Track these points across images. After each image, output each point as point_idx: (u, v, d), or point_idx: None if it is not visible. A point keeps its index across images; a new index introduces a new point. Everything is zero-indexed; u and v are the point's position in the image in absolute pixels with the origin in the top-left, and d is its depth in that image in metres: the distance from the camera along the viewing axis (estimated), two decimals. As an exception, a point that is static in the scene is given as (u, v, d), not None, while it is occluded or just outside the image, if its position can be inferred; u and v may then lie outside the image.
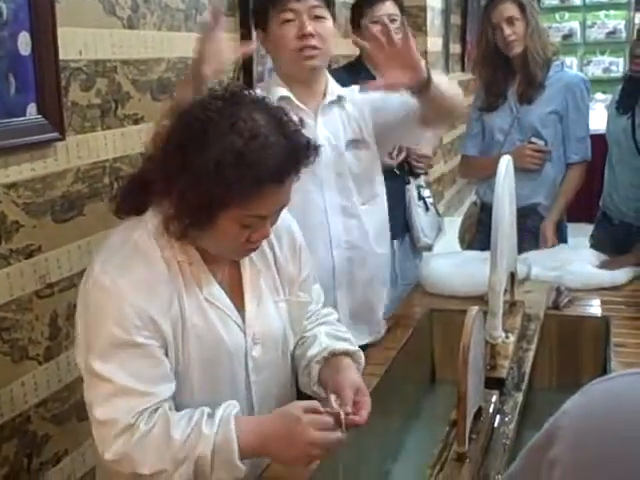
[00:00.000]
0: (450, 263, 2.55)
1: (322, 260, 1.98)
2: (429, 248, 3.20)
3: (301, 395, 1.59)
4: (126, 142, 2.19)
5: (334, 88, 2.09)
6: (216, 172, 1.23)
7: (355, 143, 2.08)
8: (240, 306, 1.44)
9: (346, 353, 1.53)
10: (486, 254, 2.49)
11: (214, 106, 1.29)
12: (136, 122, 2.25)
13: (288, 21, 1.96)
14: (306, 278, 1.60)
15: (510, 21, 2.93)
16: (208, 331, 1.39)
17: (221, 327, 1.41)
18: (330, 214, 2.02)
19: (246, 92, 1.35)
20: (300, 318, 1.59)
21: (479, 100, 3.18)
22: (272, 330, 1.49)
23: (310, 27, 1.94)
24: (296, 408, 1.32)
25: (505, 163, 1.79)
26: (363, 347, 1.76)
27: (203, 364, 1.38)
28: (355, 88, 2.16)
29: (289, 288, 1.56)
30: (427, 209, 3.11)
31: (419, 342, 2.29)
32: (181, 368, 1.36)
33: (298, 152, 1.31)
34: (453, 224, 3.51)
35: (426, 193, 3.15)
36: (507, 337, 1.84)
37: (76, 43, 1.98)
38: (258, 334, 1.45)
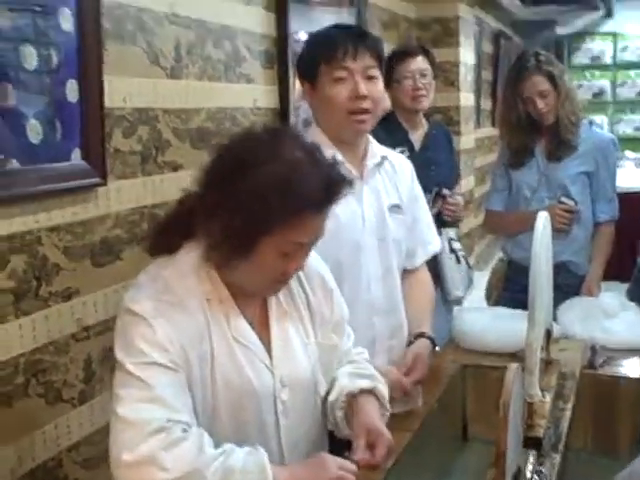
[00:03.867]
0: (484, 318, 2.52)
1: (362, 328, 1.94)
2: (459, 301, 3.18)
3: (334, 440, 1.58)
4: (165, 188, 2.22)
5: (375, 148, 2.05)
6: (260, 198, 1.28)
7: (395, 209, 2.06)
8: (268, 348, 1.45)
9: (363, 391, 1.53)
10: (518, 311, 2.51)
11: (255, 138, 1.37)
12: (175, 169, 2.28)
13: (341, 79, 1.88)
14: (339, 320, 1.61)
15: (542, 95, 2.95)
16: (235, 371, 1.39)
17: (248, 367, 1.40)
18: (372, 281, 1.99)
19: (284, 128, 1.42)
20: (331, 362, 1.59)
21: (505, 157, 3.18)
22: (300, 373, 1.49)
23: (364, 88, 1.87)
24: (325, 454, 1.36)
25: (543, 219, 1.79)
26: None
27: (231, 407, 1.38)
28: (399, 155, 2.16)
29: (321, 331, 1.56)
30: (458, 261, 3.10)
31: (451, 398, 2.26)
32: (209, 411, 1.36)
33: (335, 184, 1.37)
34: (482, 278, 3.50)
35: (457, 245, 3.15)
36: (543, 396, 1.81)
37: (121, 91, 2.04)
38: (286, 377, 1.45)
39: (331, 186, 1.35)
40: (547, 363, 2.09)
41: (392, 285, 2.05)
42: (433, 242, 2.25)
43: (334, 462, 1.34)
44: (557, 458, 1.70)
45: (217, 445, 1.31)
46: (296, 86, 2.98)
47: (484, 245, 6.56)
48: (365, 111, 1.90)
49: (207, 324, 1.37)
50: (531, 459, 1.60)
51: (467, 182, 5.42)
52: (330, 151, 1.81)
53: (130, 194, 2.09)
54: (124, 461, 1.22)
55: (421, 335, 2.04)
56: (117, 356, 1.33)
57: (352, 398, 1.52)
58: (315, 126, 2.00)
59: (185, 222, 1.42)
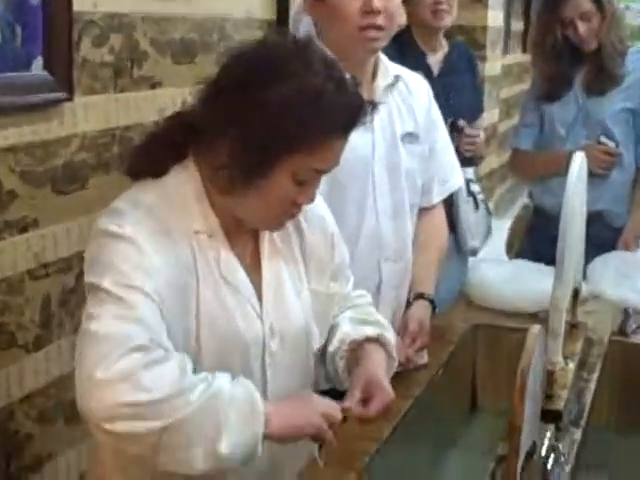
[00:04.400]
0: (503, 271, 2.53)
1: (367, 273, 1.98)
2: (475, 252, 3.18)
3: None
4: (140, 108, 2.20)
5: (389, 66, 2.05)
6: (289, 111, 1.29)
7: (410, 137, 2.06)
8: (258, 291, 1.45)
9: (368, 339, 1.55)
10: (541, 266, 2.51)
11: (284, 46, 1.39)
12: (153, 86, 2.25)
13: None
14: (339, 265, 1.62)
15: (585, 17, 2.90)
16: (222, 315, 1.39)
17: (237, 311, 1.41)
18: (381, 218, 2.01)
19: (310, 41, 1.44)
20: (327, 313, 1.59)
21: (537, 88, 3.14)
22: (292, 323, 1.49)
23: (378, 2, 1.86)
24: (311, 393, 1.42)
25: (579, 161, 1.76)
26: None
27: (215, 354, 1.38)
28: (414, 74, 2.13)
29: (317, 277, 1.56)
30: (476, 207, 3.09)
31: (460, 362, 2.27)
32: (190, 354, 1.34)
33: (359, 108, 1.39)
34: (501, 227, 3.49)
35: (476, 188, 3.12)
36: (566, 364, 1.82)
37: (92, -8, 1.99)
38: (276, 324, 1.46)
39: (356, 110, 1.38)
40: (572, 326, 2.09)
41: (403, 225, 2.06)
42: (453, 177, 2.25)
43: (320, 400, 1.38)
44: (577, 435, 1.71)
45: None
46: (297, -5, 2.92)
47: (506, 189, 6.56)
48: (378, 27, 1.88)
49: (193, 259, 1.36)
50: (548, 434, 1.61)
51: (490, 115, 5.38)
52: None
53: (99, 112, 2.06)
54: (97, 379, 1.18)
55: (420, 296, 2.08)
56: (90, 280, 1.30)
57: (356, 346, 1.54)
58: (318, 41, 1.96)
59: (176, 140, 1.41)
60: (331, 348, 1.56)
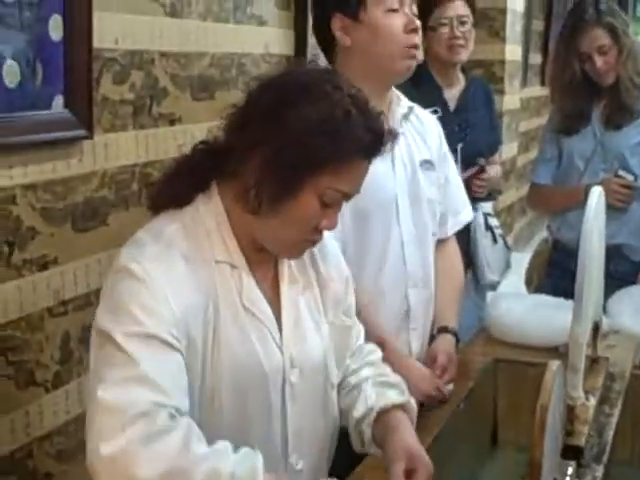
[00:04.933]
0: (522, 306, 2.52)
1: (395, 301, 2.02)
2: (494, 286, 3.17)
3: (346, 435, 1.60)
4: (159, 145, 2.21)
5: (400, 96, 2.10)
6: (316, 132, 1.33)
7: (427, 164, 2.10)
8: (278, 323, 1.46)
9: (395, 406, 1.53)
10: (561, 300, 2.50)
11: (313, 70, 1.47)
12: (172, 123, 2.27)
13: (394, 10, 1.92)
14: (351, 307, 1.64)
15: (602, 50, 2.92)
16: (242, 345, 1.39)
17: (257, 342, 1.41)
18: (406, 247, 2.03)
19: (332, 70, 1.53)
20: (344, 346, 1.61)
21: (556, 122, 3.15)
22: (311, 354, 1.50)
23: (417, 21, 1.94)
24: None
25: (596, 195, 1.77)
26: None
27: (234, 385, 1.38)
28: (418, 106, 2.17)
29: (333, 311, 1.58)
30: (495, 241, 3.09)
31: (481, 397, 2.26)
32: (208, 387, 1.36)
33: (382, 133, 1.43)
34: (521, 262, 3.48)
35: (494, 222, 3.13)
36: (587, 399, 1.81)
37: (112, 30, 2.02)
38: (296, 356, 1.46)
39: (379, 134, 1.42)
40: (593, 361, 2.09)
41: (426, 252, 2.09)
42: (465, 209, 2.29)
43: None
44: (599, 471, 1.69)
45: (213, 434, 1.30)
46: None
47: (525, 222, 6.54)
48: (417, 47, 1.96)
49: (214, 289, 1.38)
50: (570, 471, 1.60)
51: (509, 149, 5.38)
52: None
53: (119, 150, 2.07)
54: (101, 455, 1.20)
55: (444, 329, 2.11)
56: (101, 322, 1.31)
57: (383, 414, 1.52)
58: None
59: (200, 169, 1.44)
60: (356, 414, 1.54)
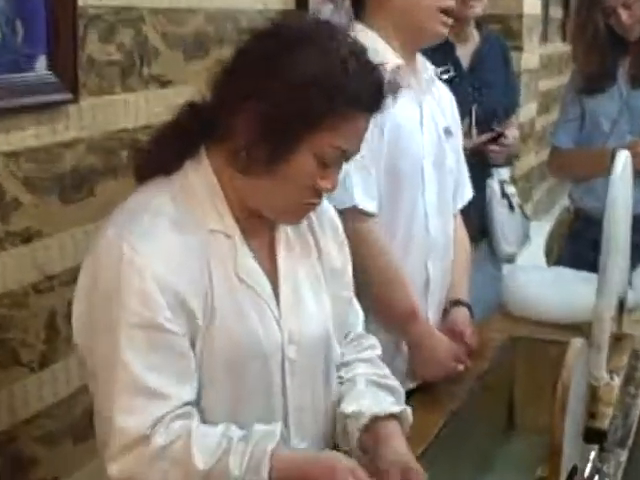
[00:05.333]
0: (542, 279, 2.53)
1: (416, 271, 2.08)
2: (511, 259, 3.17)
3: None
4: (150, 109, 2.20)
5: (426, 62, 2.16)
6: (312, 84, 1.32)
7: (449, 132, 2.16)
8: (276, 296, 1.46)
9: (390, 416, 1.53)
10: (585, 273, 2.50)
11: (307, 18, 1.50)
12: (163, 85, 2.26)
13: None
14: (350, 278, 1.64)
15: (627, 4, 2.90)
16: (239, 320, 1.39)
17: (255, 316, 1.41)
18: (430, 216, 2.09)
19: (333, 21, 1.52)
20: (344, 320, 1.61)
21: (578, 81, 3.13)
22: (311, 328, 1.50)
23: None
24: (341, 467, 1.34)
25: (623, 160, 1.77)
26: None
27: (231, 363, 1.39)
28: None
29: (333, 281, 1.57)
30: (512, 209, 3.08)
31: (496, 377, 2.27)
32: (204, 364, 1.37)
33: (383, 87, 1.42)
34: (541, 231, 3.48)
35: (511, 190, 3.12)
36: (611, 378, 1.82)
37: (98, -15, 2.00)
38: (295, 332, 1.46)
39: (378, 87, 1.41)
40: (617, 339, 2.09)
41: (447, 222, 2.16)
42: (468, 185, 2.34)
43: (346, 468, 1.34)
44: (623, 456, 1.70)
45: (210, 413, 1.37)
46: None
47: (545, 189, 6.54)
48: (449, 12, 2.03)
49: (207, 262, 1.37)
50: (592, 456, 1.61)
51: (528, 110, 5.37)
52: (396, 60, 1.97)
53: (107, 114, 2.06)
54: (111, 475, 1.31)
55: (458, 302, 2.16)
56: (90, 316, 1.34)
57: (375, 421, 1.51)
58: (364, 29, 2.03)
59: (188, 132, 1.43)
60: (345, 409, 1.53)
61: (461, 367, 2.02)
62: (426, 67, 2.14)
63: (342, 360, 1.61)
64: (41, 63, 1.85)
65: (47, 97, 1.86)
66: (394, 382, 1.63)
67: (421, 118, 2.07)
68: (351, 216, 1.87)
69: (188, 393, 1.35)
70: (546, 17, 6.19)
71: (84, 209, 2.02)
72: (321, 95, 1.32)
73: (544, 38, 6.11)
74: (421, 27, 2.04)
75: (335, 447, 1.57)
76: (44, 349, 1.94)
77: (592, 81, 3.06)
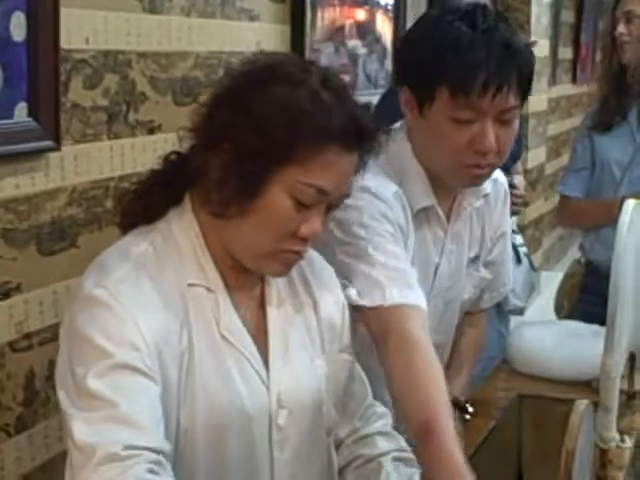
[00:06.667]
0: (550, 334, 2.51)
1: None
2: (519, 312, 3.15)
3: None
4: (137, 156, 2.21)
5: (476, 191, 1.97)
6: (283, 109, 1.32)
7: (472, 263, 2.05)
8: (264, 355, 1.44)
9: None
10: (595, 327, 2.48)
11: (281, 54, 1.55)
12: (151, 131, 2.27)
13: (464, 122, 1.74)
14: (348, 339, 1.61)
15: (628, 18, 2.90)
16: (221, 381, 1.37)
17: (238, 378, 1.39)
18: None
19: (312, 61, 1.53)
20: (341, 386, 1.57)
21: (592, 117, 3.13)
22: (303, 392, 1.47)
23: (493, 141, 1.74)
24: None
25: (631, 208, 1.75)
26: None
27: (211, 430, 1.36)
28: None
29: (330, 343, 1.55)
30: (519, 261, 3.08)
31: (504, 437, 2.26)
32: (181, 435, 1.34)
33: (365, 124, 1.39)
34: (551, 281, 3.47)
35: (518, 240, 3.12)
36: (622, 440, 1.79)
37: (82, 29, 2.01)
38: (284, 395, 1.43)
39: (357, 121, 1.38)
40: (629, 397, 2.06)
41: (446, 341, 2.11)
42: (508, 283, 2.26)
43: None
44: (637, 524, 1.67)
45: None
46: (316, 25, 2.95)
47: (556, 237, 6.53)
48: (488, 165, 1.82)
49: (186, 316, 1.36)
50: (602, 524, 1.58)
51: (536, 155, 5.38)
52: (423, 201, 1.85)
53: (91, 162, 2.06)
54: None
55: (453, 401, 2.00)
56: (66, 357, 1.32)
57: None
58: (405, 140, 1.88)
59: (172, 183, 1.43)
60: None
61: None
62: (477, 192, 1.96)
63: (359, 434, 1.60)
64: (21, 109, 1.85)
65: (27, 145, 1.86)
66: (410, 455, 1.60)
67: (443, 246, 1.95)
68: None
69: (166, 443, 1.28)
70: (555, 58, 6.22)
71: (65, 262, 2.01)
72: (285, 123, 1.32)
73: (553, 80, 6.13)
74: (442, 171, 1.84)
75: None
76: (21, 412, 1.92)
77: (603, 115, 3.04)
